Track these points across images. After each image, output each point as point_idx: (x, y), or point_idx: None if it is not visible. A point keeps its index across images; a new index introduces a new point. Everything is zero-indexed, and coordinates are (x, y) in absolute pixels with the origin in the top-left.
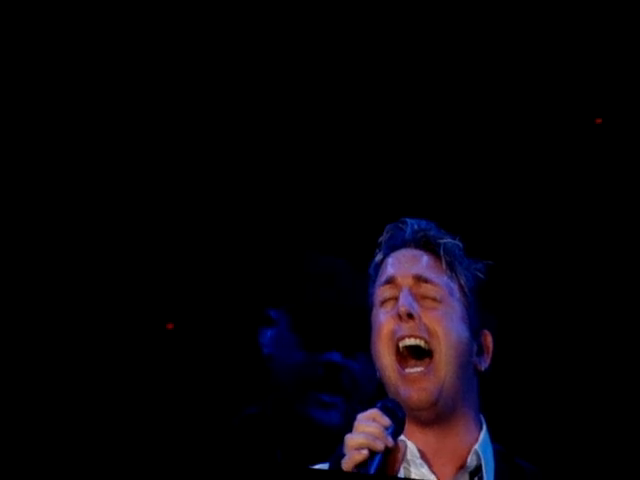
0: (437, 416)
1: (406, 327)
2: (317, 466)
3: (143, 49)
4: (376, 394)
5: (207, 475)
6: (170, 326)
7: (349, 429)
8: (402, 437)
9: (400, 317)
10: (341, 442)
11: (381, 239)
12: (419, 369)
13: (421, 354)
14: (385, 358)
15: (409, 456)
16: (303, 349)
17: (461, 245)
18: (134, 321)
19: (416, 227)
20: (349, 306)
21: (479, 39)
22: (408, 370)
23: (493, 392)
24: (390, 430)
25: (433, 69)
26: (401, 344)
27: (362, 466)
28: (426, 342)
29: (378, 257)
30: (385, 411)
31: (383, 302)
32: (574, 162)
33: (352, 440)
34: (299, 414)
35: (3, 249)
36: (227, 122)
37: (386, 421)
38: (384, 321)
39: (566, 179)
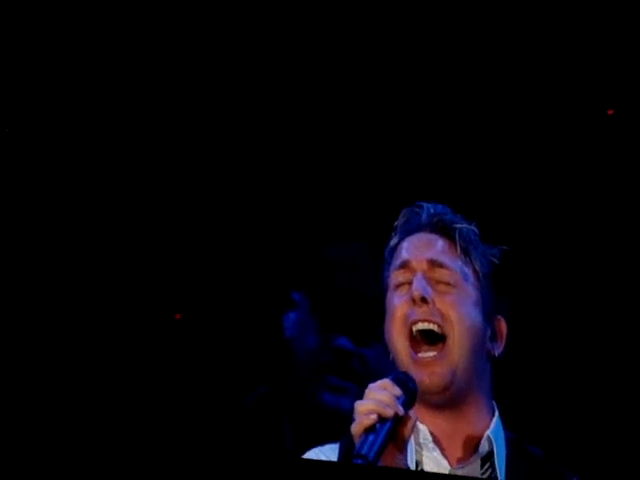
0: (449, 400)
1: (420, 311)
2: (327, 445)
3: (143, 49)
4: None
5: (217, 460)
6: (178, 316)
7: None
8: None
9: (414, 301)
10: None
11: (397, 223)
12: (432, 353)
13: (434, 339)
14: (398, 342)
15: (421, 439)
16: (319, 333)
17: (476, 230)
18: (142, 311)
19: (432, 211)
20: (367, 294)
21: (493, 31)
22: (421, 354)
23: (506, 379)
24: (401, 400)
25: (450, 58)
26: (414, 328)
27: (370, 431)
28: (439, 326)
29: (393, 241)
30: (397, 382)
31: (397, 286)
32: (586, 152)
33: (362, 406)
34: (311, 397)
35: (11, 242)
36: (241, 111)
37: (397, 390)
38: (398, 305)
39: (578, 168)
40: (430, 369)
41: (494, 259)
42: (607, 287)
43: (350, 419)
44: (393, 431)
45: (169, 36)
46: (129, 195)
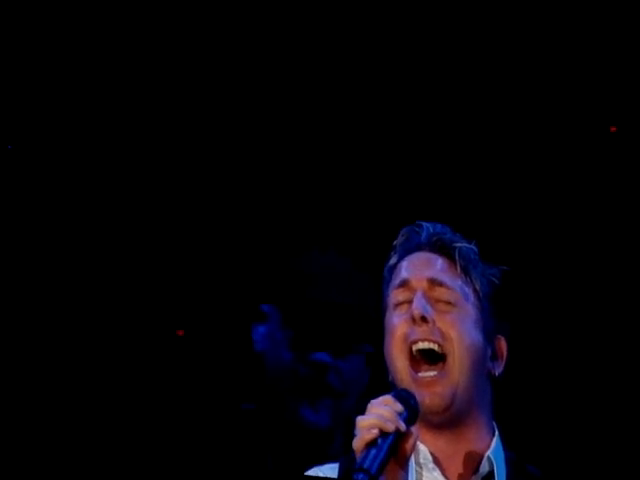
0: (450, 421)
1: (420, 331)
2: (326, 465)
3: (143, 49)
4: (366, 394)
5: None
6: (180, 332)
7: (338, 428)
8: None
9: (414, 320)
10: (334, 442)
11: (396, 242)
12: (432, 373)
13: (434, 358)
14: (398, 361)
15: (422, 459)
16: (293, 347)
17: (476, 250)
18: (145, 327)
19: (431, 231)
20: (342, 305)
21: (497, 50)
22: (421, 374)
23: (505, 398)
24: (403, 416)
25: (452, 78)
26: (414, 347)
27: (372, 445)
28: (440, 346)
29: (393, 260)
30: (398, 398)
31: (397, 305)
32: (589, 169)
33: (363, 421)
34: (290, 414)
35: (19, 257)
36: (233, 126)
37: (399, 407)
38: (398, 324)
39: (581, 186)
40: (431, 389)
41: (494, 279)
42: (607, 305)
43: (329, 434)
44: (395, 446)
45: (169, 37)
46: (133, 215)
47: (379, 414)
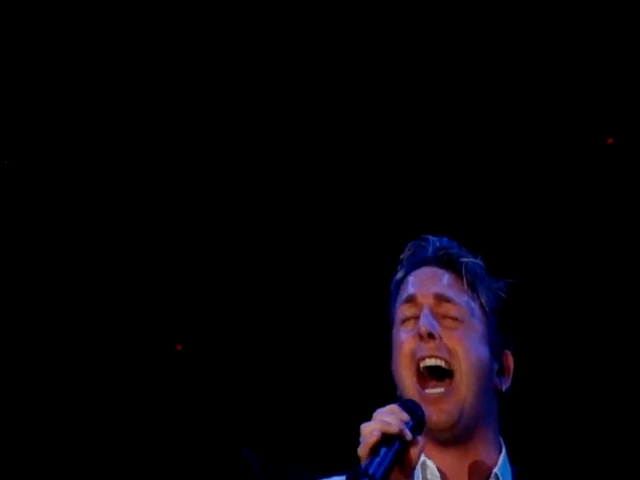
0: (457, 437)
1: (427, 347)
2: (334, 478)
3: (143, 49)
4: None
5: None
6: (179, 347)
7: None
8: (423, 457)
9: (421, 337)
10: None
11: (402, 256)
12: (439, 390)
13: (442, 374)
14: (406, 378)
15: (429, 475)
16: None
17: (482, 264)
18: (144, 342)
19: (438, 245)
20: None
21: (496, 63)
22: (428, 391)
23: (512, 413)
24: (409, 425)
25: (453, 91)
26: (422, 364)
27: (377, 453)
28: (447, 362)
29: (399, 274)
30: (404, 408)
31: (404, 321)
32: (587, 181)
33: (367, 427)
34: None
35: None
36: (222, 167)
37: (405, 416)
38: (405, 340)
39: (580, 197)
40: (438, 406)
41: (501, 292)
42: (614, 317)
43: None
44: (400, 454)
45: (169, 36)
46: (134, 230)
47: (384, 420)
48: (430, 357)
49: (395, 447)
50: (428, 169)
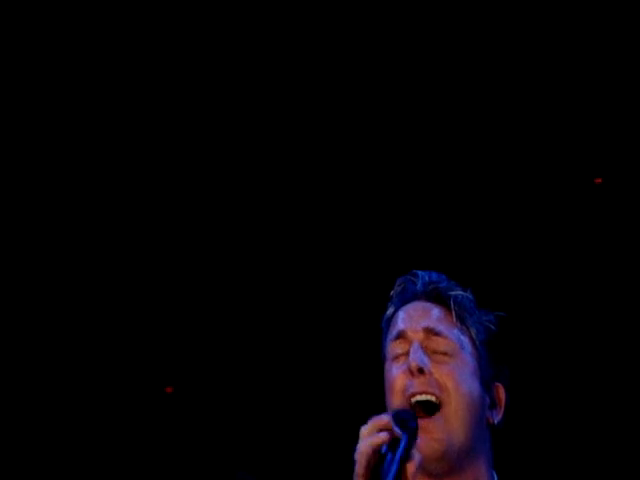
0: (448, 469)
1: (417, 383)
2: None
3: (143, 49)
4: None
5: None
6: (169, 389)
7: None
8: None
9: (411, 372)
10: None
11: (392, 292)
12: (427, 400)
13: (432, 409)
14: None
15: None
16: None
17: (472, 297)
18: (133, 384)
19: (427, 279)
20: None
21: (488, 99)
22: (415, 399)
23: (505, 445)
24: (402, 444)
25: (447, 118)
26: (412, 400)
27: (376, 466)
28: (437, 397)
29: (390, 310)
30: (397, 420)
31: (395, 357)
32: (575, 220)
33: (360, 449)
34: None
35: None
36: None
37: (397, 431)
38: (396, 377)
39: (568, 234)
40: (427, 435)
41: (490, 325)
42: (605, 348)
43: None
44: (398, 472)
45: (169, 37)
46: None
47: (373, 443)
48: (421, 393)
49: (393, 469)
50: (417, 200)
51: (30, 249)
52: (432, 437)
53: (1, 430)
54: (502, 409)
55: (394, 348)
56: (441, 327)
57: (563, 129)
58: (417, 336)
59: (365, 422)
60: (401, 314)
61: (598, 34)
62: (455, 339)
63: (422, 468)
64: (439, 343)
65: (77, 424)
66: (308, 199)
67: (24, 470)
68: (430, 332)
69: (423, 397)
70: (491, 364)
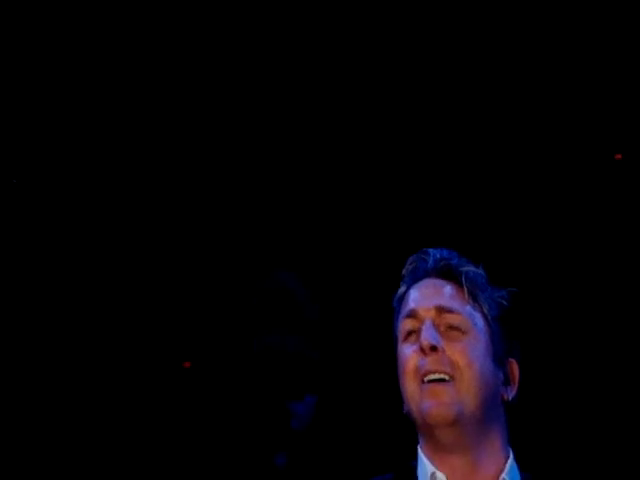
0: (460, 441)
1: (430, 361)
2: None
3: (143, 49)
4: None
5: None
6: (187, 364)
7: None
8: (432, 468)
9: (423, 351)
10: None
11: (404, 271)
12: (440, 375)
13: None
14: (413, 394)
15: None
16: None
17: (484, 273)
18: (152, 360)
19: (438, 257)
20: (292, 348)
21: (505, 78)
22: (428, 377)
23: (520, 420)
24: None
25: (458, 99)
26: (425, 379)
27: None
28: (450, 376)
29: (401, 289)
30: None
31: (406, 336)
32: (594, 195)
33: None
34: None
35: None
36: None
37: None
38: (409, 356)
39: (586, 209)
40: (437, 399)
41: (503, 301)
42: (618, 320)
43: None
44: None
45: (169, 37)
46: (142, 247)
47: None
48: (434, 372)
49: None
50: (428, 178)
51: (49, 232)
52: (441, 401)
53: (20, 410)
54: (516, 385)
55: (405, 326)
56: (453, 304)
57: (583, 105)
58: (429, 314)
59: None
60: (412, 292)
61: (622, 9)
62: (467, 315)
63: (435, 440)
64: (451, 319)
65: (96, 400)
66: (318, 180)
67: (45, 449)
68: (442, 309)
69: (436, 376)
70: (504, 340)
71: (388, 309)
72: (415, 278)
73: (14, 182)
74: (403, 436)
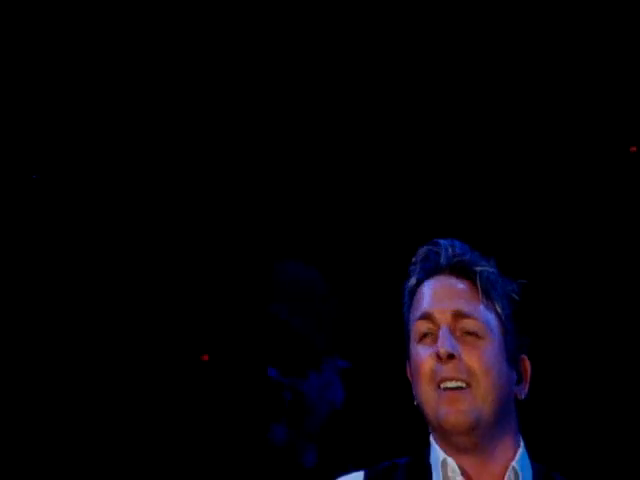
0: (475, 445)
1: (446, 368)
2: (352, 474)
3: (143, 49)
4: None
5: None
6: (205, 357)
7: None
8: (443, 454)
9: (440, 358)
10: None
11: (414, 261)
12: (457, 383)
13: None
14: (429, 397)
15: (450, 473)
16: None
17: (496, 270)
18: (170, 353)
19: (450, 252)
20: (298, 324)
21: (519, 71)
22: (444, 385)
23: (532, 412)
24: None
25: (469, 94)
26: (442, 385)
27: None
28: (467, 383)
29: (412, 280)
30: None
31: (421, 338)
32: (608, 187)
33: None
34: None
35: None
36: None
37: None
38: (424, 359)
39: (599, 202)
40: (455, 406)
41: (514, 295)
42: (628, 314)
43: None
44: None
45: (169, 37)
46: (158, 243)
47: None
48: (450, 380)
49: None
50: (437, 168)
51: (59, 227)
52: (459, 409)
53: (34, 401)
54: (528, 382)
55: (420, 328)
56: (469, 308)
57: (598, 96)
58: (445, 319)
59: None
60: (426, 290)
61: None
62: (483, 319)
63: (450, 443)
64: (468, 324)
65: (114, 392)
66: (326, 170)
67: (58, 442)
68: (459, 315)
69: (453, 384)
70: (516, 337)
71: (397, 300)
72: (427, 272)
73: (34, 178)
74: (418, 423)
